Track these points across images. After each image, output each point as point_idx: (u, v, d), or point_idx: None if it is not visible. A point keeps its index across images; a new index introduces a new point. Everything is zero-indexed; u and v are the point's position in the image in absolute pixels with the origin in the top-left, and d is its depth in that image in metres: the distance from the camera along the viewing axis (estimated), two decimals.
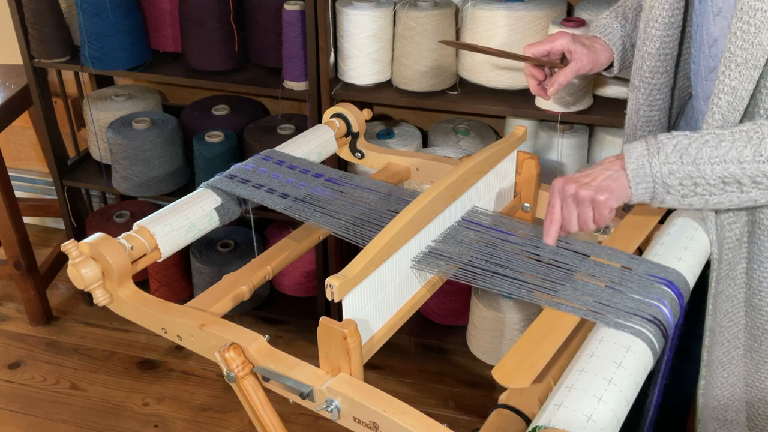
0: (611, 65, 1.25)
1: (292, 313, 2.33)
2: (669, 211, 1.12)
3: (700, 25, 1.06)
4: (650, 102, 1.16)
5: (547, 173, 1.89)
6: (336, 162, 1.86)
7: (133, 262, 0.99)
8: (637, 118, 1.18)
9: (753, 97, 0.95)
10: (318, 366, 0.88)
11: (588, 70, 1.22)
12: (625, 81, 1.32)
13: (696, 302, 1.07)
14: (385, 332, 0.95)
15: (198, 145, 2.07)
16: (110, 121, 2.18)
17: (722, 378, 1.12)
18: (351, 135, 1.32)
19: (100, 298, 0.98)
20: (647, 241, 1.08)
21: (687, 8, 1.10)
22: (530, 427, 0.77)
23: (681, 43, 1.14)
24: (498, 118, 2.12)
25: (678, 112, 1.24)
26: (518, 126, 1.19)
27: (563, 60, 1.24)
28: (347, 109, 1.31)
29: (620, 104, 1.28)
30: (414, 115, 2.25)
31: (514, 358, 0.84)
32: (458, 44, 1.50)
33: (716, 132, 0.94)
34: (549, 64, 1.23)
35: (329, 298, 0.85)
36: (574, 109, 1.75)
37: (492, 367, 0.86)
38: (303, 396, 0.86)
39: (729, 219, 1.03)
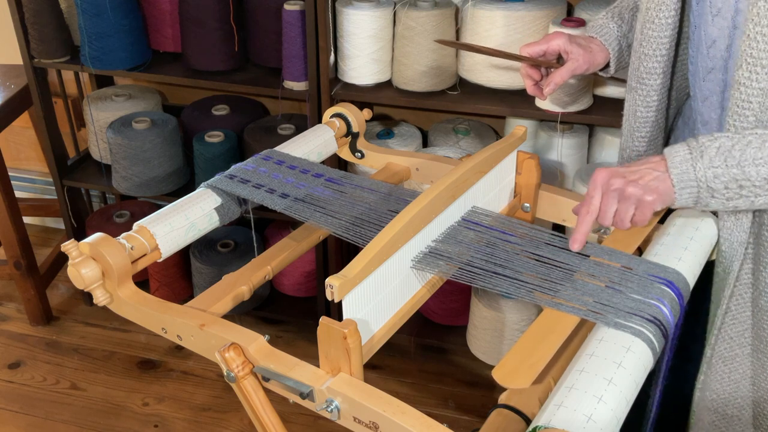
0: (608, 65, 1.25)
1: (292, 313, 2.33)
2: (669, 211, 1.12)
3: (698, 25, 1.06)
4: (647, 103, 1.16)
5: (547, 173, 1.89)
6: (336, 162, 1.86)
7: (133, 262, 0.99)
8: (635, 119, 1.18)
9: None
10: (318, 366, 0.88)
11: (584, 70, 1.22)
12: (622, 81, 1.32)
13: (696, 302, 1.07)
14: (385, 332, 0.95)
15: (198, 145, 2.07)
16: (110, 121, 2.18)
17: (723, 373, 1.12)
18: (351, 135, 1.32)
19: (100, 298, 0.98)
20: (647, 241, 1.08)
21: (684, 9, 1.10)
22: (530, 427, 0.77)
23: (678, 44, 1.14)
24: (498, 118, 2.12)
25: (675, 112, 1.24)
26: (518, 126, 1.19)
27: (559, 60, 1.24)
28: (347, 109, 1.31)
29: (620, 104, 1.28)
30: (414, 115, 2.25)
31: (514, 359, 0.84)
32: (455, 44, 1.50)
33: (758, 132, 0.93)
34: (545, 64, 1.23)
35: (329, 298, 0.85)
36: (573, 109, 1.75)
37: (492, 367, 0.86)
38: (303, 396, 0.86)
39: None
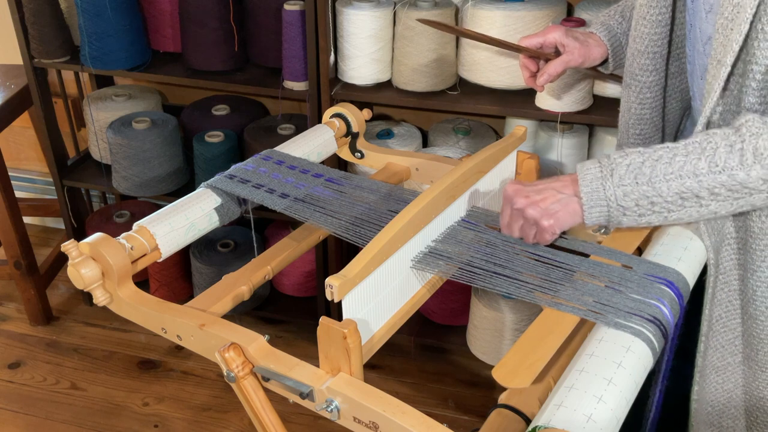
0: (606, 61, 1.26)
1: (292, 313, 2.33)
2: None
3: (693, 23, 1.06)
4: (641, 100, 1.16)
5: (547, 173, 1.89)
6: (336, 162, 1.86)
7: (133, 262, 0.99)
8: (629, 115, 1.19)
9: (740, 99, 0.94)
10: (318, 366, 0.88)
11: (579, 63, 1.23)
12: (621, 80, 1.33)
13: (696, 302, 1.06)
14: (385, 332, 0.95)
15: (198, 145, 2.07)
16: (110, 121, 2.18)
17: (716, 384, 1.11)
18: (351, 135, 1.32)
19: (100, 298, 0.98)
20: (647, 241, 1.08)
21: (676, 6, 1.10)
22: (530, 427, 0.77)
23: (671, 42, 1.15)
24: (498, 118, 2.12)
25: (682, 114, 1.24)
26: (518, 126, 1.19)
27: (557, 53, 1.25)
28: (347, 109, 1.31)
29: (619, 104, 1.28)
30: (414, 115, 2.25)
31: (514, 358, 0.84)
32: (454, 29, 1.49)
33: (669, 146, 0.92)
34: (542, 56, 1.25)
35: (329, 298, 0.85)
36: (573, 108, 1.75)
37: (492, 367, 0.86)
38: (303, 396, 0.86)
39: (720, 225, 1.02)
